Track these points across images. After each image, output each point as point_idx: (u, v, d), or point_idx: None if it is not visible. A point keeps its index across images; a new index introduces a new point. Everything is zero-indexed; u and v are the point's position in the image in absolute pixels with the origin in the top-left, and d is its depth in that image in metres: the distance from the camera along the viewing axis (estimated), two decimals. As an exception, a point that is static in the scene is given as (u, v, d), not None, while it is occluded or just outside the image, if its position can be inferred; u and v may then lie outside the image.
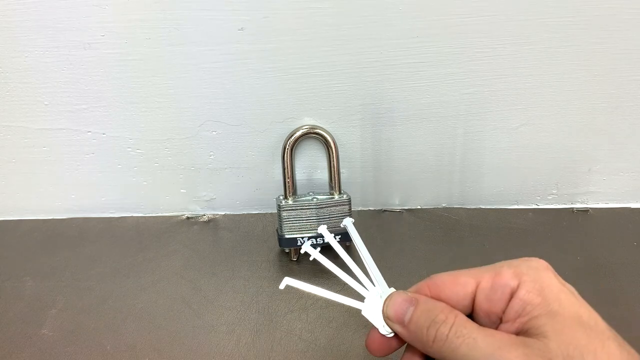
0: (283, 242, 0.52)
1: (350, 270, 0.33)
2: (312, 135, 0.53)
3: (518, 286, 0.26)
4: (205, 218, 0.60)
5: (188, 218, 0.60)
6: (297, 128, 0.53)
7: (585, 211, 0.59)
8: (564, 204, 0.60)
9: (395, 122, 0.54)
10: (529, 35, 0.49)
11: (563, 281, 0.27)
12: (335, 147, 0.53)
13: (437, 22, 0.48)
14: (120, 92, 0.52)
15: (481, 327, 0.26)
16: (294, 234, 0.52)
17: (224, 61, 0.50)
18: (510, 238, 0.56)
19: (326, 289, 0.32)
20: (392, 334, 0.30)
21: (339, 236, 0.51)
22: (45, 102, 0.53)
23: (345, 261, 0.33)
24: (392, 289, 0.31)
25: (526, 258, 0.28)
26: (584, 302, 0.26)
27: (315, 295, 0.48)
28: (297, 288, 0.32)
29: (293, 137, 0.53)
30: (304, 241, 0.51)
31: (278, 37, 0.49)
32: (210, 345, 0.44)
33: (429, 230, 0.57)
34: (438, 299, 0.29)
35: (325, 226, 0.36)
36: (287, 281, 0.32)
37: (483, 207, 0.60)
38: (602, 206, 0.60)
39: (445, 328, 0.26)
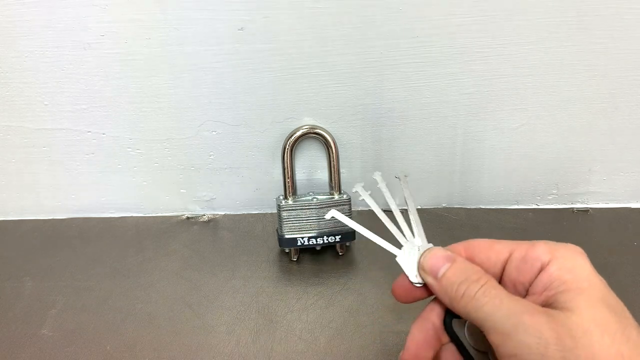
0: (283, 242, 0.52)
1: (395, 219, 0.34)
2: (312, 135, 0.53)
3: (549, 262, 0.27)
4: (205, 218, 0.60)
5: (188, 218, 0.60)
6: (297, 128, 0.53)
7: (585, 211, 0.59)
8: (564, 204, 0.60)
9: (395, 122, 0.54)
10: (529, 35, 0.49)
11: (593, 268, 0.27)
12: (335, 147, 0.53)
13: (437, 22, 0.48)
14: (120, 92, 0.52)
15: (509, 294, 0.26)
16: (294, 234, 0.52)
17: (224, 61, 0.50)
18: (510, 238, 0.55)
19: (365, 231, 0.34)
20: (421, 285, 0.31)
21: (339, 236, 0.52)
22: (45, 102, 0.53)
23: (392, 208, 0.35)
24: (431, 245, 0.32)
25: (564, 243, 0.29)
26: (613, 293, 0.26)
27: (316, 294, 0.48)
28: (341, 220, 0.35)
29: (293, 137, 0.53)
30: (304, 242, 0.51)
31: (278, 37, 0.49)
32: (210, 345, 0.44)
33: (429, 230, 0.57)
34: (471, 260, 0.30)
35: (380, 173, 0.38)
36: (333, 213, 0.35)
37: (483, 207, 0.60)
38: (602, 206, 0.60)
39: (476, 286, 0.27)
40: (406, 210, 0.35)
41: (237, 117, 0.54)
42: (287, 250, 0.54)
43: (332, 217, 0.35)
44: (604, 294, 0.26)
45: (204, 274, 0.52)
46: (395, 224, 0.34)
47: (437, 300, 0.30)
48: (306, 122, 0.54)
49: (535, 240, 0.29)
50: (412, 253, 0.32)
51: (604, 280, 0.27)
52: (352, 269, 0.52)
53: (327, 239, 0.51)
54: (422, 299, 0.32)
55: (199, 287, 0.50)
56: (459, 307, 0.27)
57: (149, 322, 0.47)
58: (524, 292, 0.28)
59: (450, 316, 0.30)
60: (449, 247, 0.31)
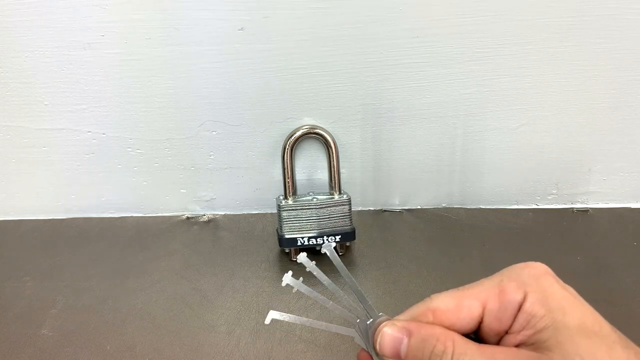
0: (283, 242, 0.52)
1: (336, 296, 0.32)
2: (312, 135, 0.53)
3: (524, 299, 0.26)
4: (205, 218, 0.60)
5: (188, 218, 0.60)
6: (297, 128, 0.53)
7: (585, 211, 0.59)
8: (564, 204, 0.60)
9: (395, 122, 0.54)
10: (529, 35, 0.49)
11: (564, 284, 0.27)
12: (335, 147, 0.53)
13: (437, 22, 0.48)
14: (120, 92, 0.52)
15: (481, 346, 0.26)
16: (294, 234, 0.52)
17: (224, 61, 0.50)
18: (510, 238, 0.55)
19: (313, 316, 0.31)
20: None
21: (339, 236, 0.52)
22: (45, 102, 0.53)
23: (329, 288, 0.32)
24: (382, 315, 0.30)
25: (524, 264, 0.28)
26: (587, 305, 0.26)
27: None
28: (282, 320, 0.31)
29: (293, 137, 0.53)
30: (304, 242, 0.51)
31: (278, 37, 0.49)
32: (210, 345, 0.44)
33: (429, 230, 0.57)
34: (442, 325, 0.28)
35: (305, 254, 0.33)
36: (273, 315, 0.31)
37: (483, 207, 0.60)
38: (602, 206, 0.60)
39: (447, 357, 0.25)
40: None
41: (237, 117, 0.54)
42: (287, 250, 0.54)
43: (287, 284, 0.32)
44: (579, 317, 0.25)
45: (204, 274, 0.52)
46: (338, 302, 0.32)
47: None
48: (306, 122, 0.54)
49: (496, 276, 0.28)
50: (366, 328, 0.30)
51: (576, 295, 0.26)
52: (352, 269, 0.52)
53: (327, 239, 0.51)
54: None
55: (199, 287, 0.50)
56: None
57: (149, 322, 0.47)
58: (504, 334, 0.27)
59: None
60: (413, 310, 0.29)
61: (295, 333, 0.45)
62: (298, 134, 0.53)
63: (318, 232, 0.51)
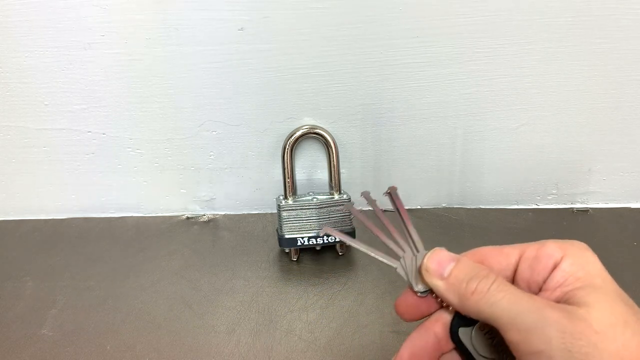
0: (283, 242, 0.52)
1: (387, 230, 0.33)
2: (312, 135, 0.53)
3: (562, 258, 0.27)
4: (205, 218, 0.60)
5: (188, 218, 0.60)
6: (297, 128, 0.53)
7: (585, 211, 0.59)
8: (564, 204, 0.60)
9: (395, 122, 0.54)
10: (529, 35, 0.49)
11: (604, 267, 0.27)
12: (335, 147, 0.53)
13: (437, 22, 0.48)
14: (120, 92, 0.52)
15: (522, 290, 0.26)
16: (294, 234, 0.52)
17: (224, 61, 0.50)
18: (510, 238, 0.55)
19: (363, 246, 0.33)
20: (426, 294, 0.30)
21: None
22: (45, 102, 0.53)
23: (382, 219, 0.34)
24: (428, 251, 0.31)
25: (570, 240, 0.28)
26: (621, 289, 0.26)
27: (316, 294, 0.48)
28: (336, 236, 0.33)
29: (293, 137, 0.53)
30: (304, 242, 0.51)
31: (278, 37, 0.49)
32: (210, 345, 0.44)
33: (429, 230, 0.57)
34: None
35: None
36: (327, 230, 0.33)
37: (483, 207, 0.60)
38: (602, 206, 0.60)
39: (487, 282, 0.26)
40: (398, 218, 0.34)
41: (237, 117, 0.54)
42: (287, 250, 0.54)
43: (326, 233, 0.34)
44: (616, 289, 0.26)
45: (204, 274, 0.52)
46: (388, 235, 0.33)
47: (441, 311, 0.29)
48: (306, 122, 0.54)
49: (542, 240, 0.28)
50: (411, 262, 0.31)
51: (612, 279, 0.27)
52: (352, 269, 0.52)
53: (327, 239, 0.51)
54: (428, 314, 0.30)
55: (199, 287, 0.50)
56: (470, 304, 0.26)
57: (149, 322, 0.47)
58: (537, 291, 0.27)
59: (457, 324, 0.29)
60: (457, 254, 0.30)
61: (295, 333, 0.45)
62: (298, 134, 0.53)
63: (318, 232, 0.51)
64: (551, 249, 0.27)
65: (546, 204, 0.60)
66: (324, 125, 0.54)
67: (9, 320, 0.47)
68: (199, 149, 0.56)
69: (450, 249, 0.55)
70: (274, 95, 0.52)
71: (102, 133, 0.55)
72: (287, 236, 0.52)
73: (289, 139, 0.53)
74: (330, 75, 0.51)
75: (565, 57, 0.50)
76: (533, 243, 0.28)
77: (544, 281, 0.27)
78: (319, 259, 0.53)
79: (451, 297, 0.28)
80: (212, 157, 0.56)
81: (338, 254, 0.54)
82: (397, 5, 0.47)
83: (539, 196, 0.59)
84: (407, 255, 0.31)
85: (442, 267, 0.29)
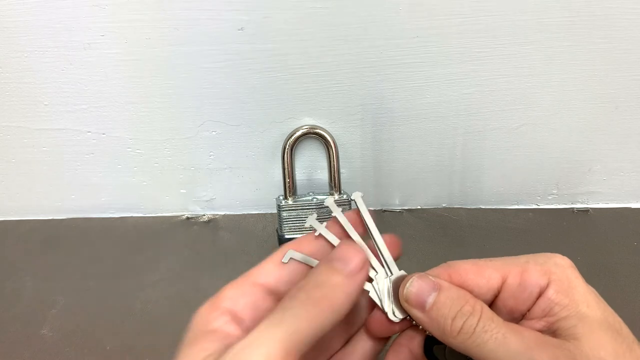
0: (283, 242, 0.52)
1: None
2: (312, 135, 0.53)
3: (547, 285, 0.26)
4: (205, 218, 0.60)
5: (188, 218, 0.60)
6: (297, 128, 0.53)
7: (585, 211, 0.59)
8: (564, 204, 0.60)
9: (395, 122, 0.54)
10: (529, 35, 0.49)
11: (586, 282, 0.27)
12: (335, 147, 0.53)
13: (437, 22, 0.48)
14: (120, 92, 0.52)
15: (508, 323, 0.25)
16: (294, 234, 0.52)
17: (224, 61, 0.50)
18: (510, 238, 0.55)
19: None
20: (400, 320, 0.28)
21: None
22: (45, 102, 0.53)
23: (354, 238, 0.29)
24: (402, 272, 0.29)
25: (550, 254, 0.27)
26: (608, 306, 0.26)
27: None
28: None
29: (293, 137, 0.53)
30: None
31: (278, 37, 0.49)
32: (210, 345, 0.44)
33: (429, 230, 0.57)
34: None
35: (315, 216, 0.31)
36: (311, 221, 0.30)
37: (483, 207, 0.60)
38: (602, 206, 0.60)
39: (473, 320, 0.24)
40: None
41: (237, 117, 0.54)
42: (287, 250, 0.54)
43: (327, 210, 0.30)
44: (603, 313, 0.25)
45: (204, 274, 0.52)
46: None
47: (415, 327, 0.28)
48: (306, 122, 0.54)
49: (521, 258, 0.27)
50: (384, 284, 0.28)
51: (597, 294, 0.26)
52: (352, 269, 0.52)
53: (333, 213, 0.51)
54: (401, 331, 0.29)
55: (199, 287, 0.50)
56: (455, 342, 0.25)
57: (149, 322, 0.47)
58: (520, 317, 0.26)
59: (431, 342, 0.27)
60: (430, 271, 0.28)
61: (295, 333, 0.45)
62: (298, 134, 0.53)
63: (318, 232, 0.51)
64: (535, 276, 0.26)
65: (546, 204, 0.60)
66: (324, 125, 0.54)
67: (9, 320, 0.47)
68: (199, 149, 0.56)
69: (450, 249, 0.55)
70: (274, 95, 0.52)
71: (102, 133, 0.55)
72: (287, 236, 0.52)
73: (289, 139, 0.53)
74: (330, 75, 0.51)
75: (565, 57, 0.50)
76: (514, 262, 0.27)
77: (528, 309, 0.26)
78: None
79: (434, 331, 0.26)
80: (212, 157, 0.56)
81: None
82: (397, 5, 0.47)
83: (539, 196, 0.59)
84: (380, 276, 0.29)
85: (423, 297, 0.26)
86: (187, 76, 0.51)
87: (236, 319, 0.25)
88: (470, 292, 0.27)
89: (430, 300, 0.26)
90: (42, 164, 0.57)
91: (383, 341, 0.30)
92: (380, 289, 0.28)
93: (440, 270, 0.28)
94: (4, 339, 0.45)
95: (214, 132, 0.55)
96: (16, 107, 0.53)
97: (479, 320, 0.24)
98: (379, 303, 0.28)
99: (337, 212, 0.30)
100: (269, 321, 0.22)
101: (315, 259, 0.28)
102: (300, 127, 0.53)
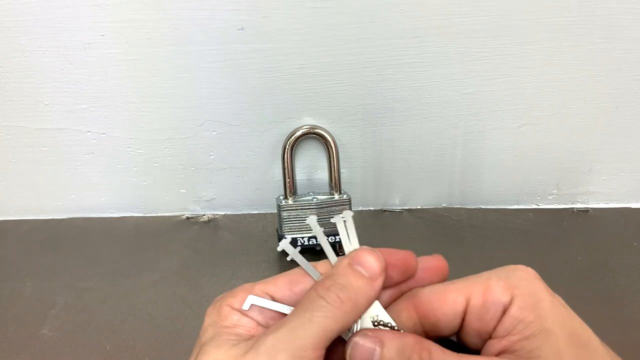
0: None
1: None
2: (312, 135, 0.53)
3: (510, 302, 0.25)
4: (205, 218, 0.60)
5: (188, 218, 0.60)
6: (297, 128, 0.53)
7: (585, 211, 0.59)
8: (565, 204, 0.60)
9: (395, 122, 0.54)
10: (529, 35, 0.49)
11: (552, 292, 0.25)
12: (335, 147, 0.53)
13: (437, 22, 0.48)
14: (120, 92, 0.52)
15: (460, 356, 0.24)
16: (294, 234, 0.52)
17: (224, 61, 0.50)
18: (510, 238, 0.55)
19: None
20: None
21: (339, 236, 0.52)
22: (45, 102, 0.53)
23: (309, 272, 0.30)
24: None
25: (513, 266, 0.26)
26: (576, 316, 0.25)
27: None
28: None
29: (293, 137, 0.53)
30: (304, 242, 0.51)
31: (278, 37, 0.49)
32: (210, 345, 0.44)
33: (429, 230, 0.57)
34: (426, 320, 0.26)
35: (316, 217, 0.32)
36: (284, 246, 0.30)
37: (483, 207, 0.60)
38: (602, 206, 0.60)
39: None
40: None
41: (237, 117, 0.54)
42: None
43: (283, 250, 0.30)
44: (569, 326, 0.24)
45: (204, 274, 0.52)
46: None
47: None
48: (306, 122, 0.54)
49: (484, 274, 0.26)
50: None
51: (564, 304, 0.25)
52: (352, 269, 0.51)
53: (327, 239, 0.51)
54: None
55: (199, 287, 0.50)
56: None
57: (149, 322, 0.47)
58: (488, 337, 0.26)
59: None
60: (395, 304, 0.27)
61: (295, 333, 0.45)
62: (298, 134, 0.53)
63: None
64: (498, 293, 0.25)
65: (546, 204, 0.60)
66: (324, 125, 0.54)
67: (8, 320, 0.47)
68: (198, 149, 0.56)
69: (450, 249, 0.55)
70: (274, 95, 0.52)
71: (102, 133, 0.55)
72: (287, 236, 0.52)
73: (289, 139, 0.53)
74: (330, 75, 0.51)
75: (565, 57, 0.50)
76: (477, 281, 0.26)
77: (494, 328, 0.25)
78: (319, 259, 0.53)
79: None
80: (212, 157, 0.56)
81: (338, 254, 0.54)
82: (397, 5, 0.47)
83: (539, 196, 0.59)
84: None
85: (367, 358, 0.25)
86: (187, 76, 0.51)
87: (246, 316, 0.27)
88: (437, 320, 0.26)
89: (375, 359, 0.25)
90: (42, 164, 0.57)
91: None
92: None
93: (404, 303, 0.27)
94: (4, 339, 0.45)
95: (214, 132, 0.55)
96: (16, 107, 0.53)
97: None
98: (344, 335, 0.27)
99: (318, 233, 0.31)
100: (300, 319, 0.24)
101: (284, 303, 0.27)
102: (300, 127, 0.53)
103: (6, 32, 0.49)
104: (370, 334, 0.26)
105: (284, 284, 0.28)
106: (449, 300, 0.26)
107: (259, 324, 0.26)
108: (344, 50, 0.50)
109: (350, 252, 0.28)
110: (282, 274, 0.29)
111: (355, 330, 0.26)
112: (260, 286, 0.28)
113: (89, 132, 0.55)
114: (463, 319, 0.26)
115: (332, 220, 0.31)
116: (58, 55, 0.50)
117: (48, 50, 0.50)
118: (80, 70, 0.51)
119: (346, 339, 0.26)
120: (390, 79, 0.51)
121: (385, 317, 0.27)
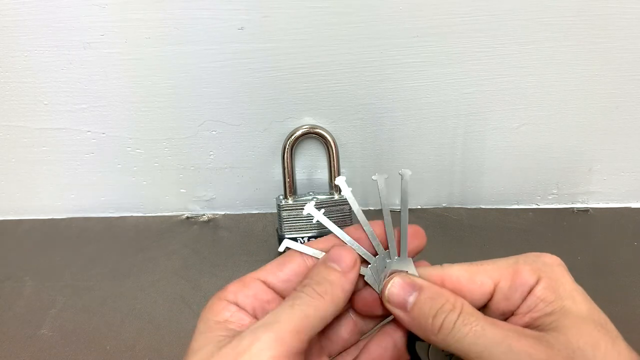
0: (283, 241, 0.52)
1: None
2: (312, 135, 0.53)
3: (536, 283, 0.26)
4: (205, 218, 0.60)
5: (188, 218, 0.60)
6: (297, 128, 0.53)
7: (585, 211, 0.59)
8: (565, 204, 0.60)
9: (395, 121, 0.54)
10: (529, 35, 0.49)
11: (574, 280, 0.27)
12: (335, 147, 0.53)
13: (437, 22, 0.48)
14: (120, 92, 0.52)
15: (487, 317, 0.25)
16: (294, 234, 0.52)
17: (224, 61, 0.50)
18: (510, 238, 0.55)
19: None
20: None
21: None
22: (45, 102, 0.53)
23: (360, 220, 0.31)
24: (398, 259, 0.29)
25: (539, 253, 0.28)
26: (594, 303, 0.26)
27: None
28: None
29: (293, 137, 0.53)
30: (304, 242, 0.51)
31: (278, 36, 0.49)
32: (210, 345, 0.44)
33: (429, 230, 0.57)
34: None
35: (344, 178, 0.33)
36: (287, 243, 0.31)
37: (483, 207, 0.60)
38: (602, 206, 0.60)
39: (453, 316, 0.25)
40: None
41: (237, 117, 0.54)
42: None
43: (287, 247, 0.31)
44: (588, 308, 0.25)
45: (204, 274, 0.52)
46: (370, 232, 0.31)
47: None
48: (306, 122, 0.54)
49: (511, 259, 0.28)
50: (383, 266, 0.29)
51: (582, 290, 0.27)
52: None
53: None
54: (387, 316, 0.29)
55: (199, 287, 0.50)
56: (437, 339, 0.26)
57: (149, 322, 0.47)
58: (510, 314, 0.27)
59: (414, 338, 0.28)
60: (425, 270, 0.29)
61: (295, 333, 0.45)
62: (298, 133, 0.53)
63: (318, 232, 0.51)
64: (526, 276, 0.27)
65: (546, 203, 0.60)
66: (324, 125, 0.54)
67: (8, 320, 0.47)
68: (198, 149, 0.56)
69: (450, 249, 0.55)
70: (274, 95, 0.52)
71: (102, 133, 0.55)
72: (287, 236, 0.52)
73: (289, 138, 0.53)
74: (330, 75, 0.51)
75: (565, 57, 0.50)
76: (505, 265, 0.28)
77: (518, 307, 0.27)
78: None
79: (416, 330, 0.27)
80: (212, 156, 0.56)
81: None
82: (397, 5, 0.47)
83: (539, 196, 0.59)
84: (380, 259, 0.30)
85: (403, 298, 0.27)
86: (187, 76, 0.51)
87: (241, 310, 0.28)
88: (463, 297, 0.27)
89: (411, 300, 0.27)
90: (42, 164, 0.57)
91: (370, 321, 0.31)
92: (376, 270, 0.30)
93: (434, 272, 0.28)
94: (4, 339, 0.45)
95: (214, 132, 0.55)
96: (16, 107, 0.53)
97: (459, 316, 0.25)
98: (376, 289, 0.29)
99: (319, 216, 0.32)
100: (282, 308, 0.26)
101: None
102: (300, 127, 0.53)
103: (6, 32, 0.49)
104: (411, 277, 0.28)
105: (272, 267, 0.29)
106: (477, 281, 0.27)
107: (251, 319, 0.27)
108: (344, 50, 0.50)
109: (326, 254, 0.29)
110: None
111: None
112: (250, 275, 0.29)
113: (88, 131, 0.55)
114: (489, 300, 0.28)
115: (374, 178, 0.33)
116: (58, 55, 0.50)
117: (48, 50, 0.50)
118: (80, 69, 0.51)
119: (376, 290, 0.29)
120: (390, 78, 0.51)
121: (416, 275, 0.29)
